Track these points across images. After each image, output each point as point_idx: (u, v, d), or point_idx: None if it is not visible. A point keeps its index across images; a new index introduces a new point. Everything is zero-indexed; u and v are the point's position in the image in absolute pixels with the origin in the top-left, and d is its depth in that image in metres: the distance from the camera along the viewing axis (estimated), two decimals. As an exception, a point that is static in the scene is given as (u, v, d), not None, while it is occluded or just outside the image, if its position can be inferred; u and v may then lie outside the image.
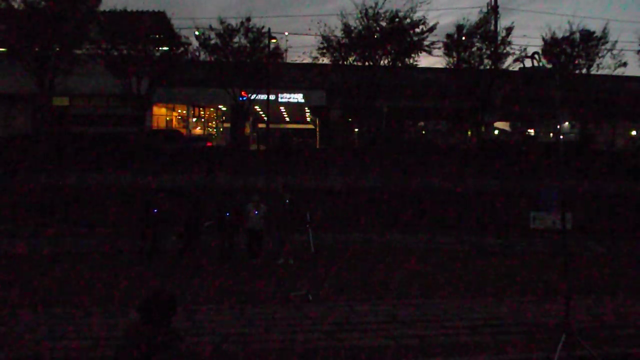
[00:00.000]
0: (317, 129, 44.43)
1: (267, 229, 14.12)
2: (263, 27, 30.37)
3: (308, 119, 49.00)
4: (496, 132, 42.87)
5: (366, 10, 28.76)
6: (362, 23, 28.99)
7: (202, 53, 30.32)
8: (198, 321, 8.18)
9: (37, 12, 26.45)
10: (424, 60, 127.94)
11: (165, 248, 14.41)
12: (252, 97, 31.05)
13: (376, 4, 28.67)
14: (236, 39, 29.62)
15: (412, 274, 12.43)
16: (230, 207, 14.15)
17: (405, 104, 35.49)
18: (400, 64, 29.80)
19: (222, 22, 29.27)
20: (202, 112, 42.25)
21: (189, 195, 17.23)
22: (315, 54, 30.09)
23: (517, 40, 61.74)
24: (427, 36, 29.57)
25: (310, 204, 15.37)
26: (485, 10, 31.76)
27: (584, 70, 30.94)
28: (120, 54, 27.99)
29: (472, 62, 30.39)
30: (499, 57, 30.49)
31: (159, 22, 30.05)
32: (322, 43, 29.67)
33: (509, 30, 30.67)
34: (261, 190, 16.39)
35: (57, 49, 27.23)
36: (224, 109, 41.36)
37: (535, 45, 59.44)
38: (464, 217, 22.39)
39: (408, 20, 29.12)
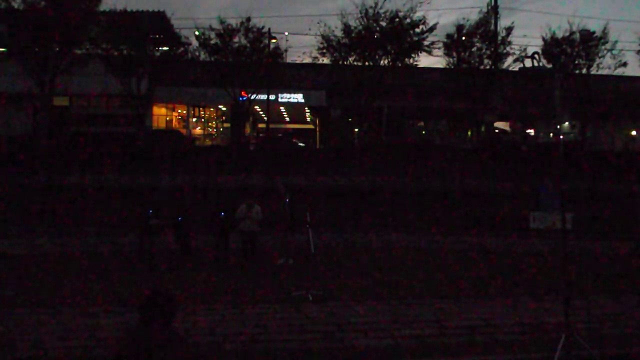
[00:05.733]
0: (317, 129, 44.42)
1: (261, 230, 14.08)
2: (263, 27, 30.43)
3: (308, 119, 49.00)
4: (496, 132, 42.89)
5: (366, 10, 28.81)
6: (362, 23, 29.02)
7: (202, 53, 30.36)
8: (198, 321, 8.18)
9: (37, 12, 26.46)
10: (424, 60, 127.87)
11: (165, 248, 14.40)
12: (252, 97, 31.05)
13: (376, 4, 28.74)
14: (236, 39, 29.67)
15: (412, 274, 12.42)
16: (224, 207, 14.11)
17: (405, 104, 35.50)
18: (400, 64, 29.82)
19: (222, 22, 29.34)
20: (202, 112, 42.25)
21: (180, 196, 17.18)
22: (315, 54, 30.16)
23: (517, 40, 61.68)
24: (427, 36, 29.65)
25: (310, 204, 15.36)
26: (485, 10, 31.80)
27: (584, 70, 30.95)
28: (120, 54, 28.00)
29: (472, 62, 30.40)
30: (499, 57, 30.51)
31: (159, 22, 30.10)
32: (322, 43, 29.73)
33: (509, 30, 30.73)
34: (262, 191, 16.39)
35: (57, 49, 27.24)
36: (224, 109, 41.35)
37: (535, 45, 59.41)
38: (463, 217, 22.37)
39: (408, 20, 29.16)
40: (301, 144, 35.26)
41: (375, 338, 7.53)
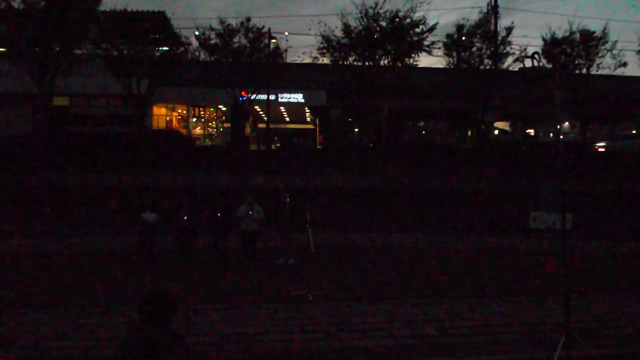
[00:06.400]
0: (317, 129, 44.40)
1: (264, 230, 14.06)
2: (263, 27, 30.38)
3: (308, 119, 49.00)
4: (496, 132, 42.90)
5: (366, 10, 28.76)
6: (362, 23, 28.99)
7: (202, 53, 30.33)
8: (198, 321, 8.18)
9: (37, 12, 26.44)
10: (424, 60, 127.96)
11: (164, 248, 14.42)
12: (252, 97, 31.04)
13: (376, 4, 28.69)
14: (236, 39, 29.63)
15: (412, 274, 12.43)
16: (221, 207, 14.10)
17: (405, 104, 35.49)
18: (400, 64, 29.79)
19: (222, 22, 29.29)
20: (202, 112, 42.24)
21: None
22: (315, 54, 30.12)
23: (517, 40, 61.80)
24: (427, 36, 29.59)
25: (310, 204, 15.36)
26: (485, 10, 31.80)
27: (584, 70, 30.94)
28: (120, 54, 27.99)
29: (472, 62, 30.40)
30: (499, 57, 30.50)
31: (159, 22, 30.04)
32: (322, 43, 29.68)
33: (509, 30, 30.70)
34: (262, 190, 16.38)
35: (57, 49, 27.22)
36: (224, 109, 41.36)
37: (535, 45, 59.54)
38: (464, 217, 22.39)
39: (408, 20, 29.12)
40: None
41: (375, 338, 7.53)
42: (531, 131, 45.76)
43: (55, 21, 26.08)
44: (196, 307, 8.92)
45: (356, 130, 39.83)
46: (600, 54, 30.75)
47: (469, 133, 38.43)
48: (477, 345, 7.28)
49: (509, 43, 30.65)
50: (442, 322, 8.35)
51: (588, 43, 30.25)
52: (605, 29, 31.06)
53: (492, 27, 31.24)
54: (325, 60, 30.41)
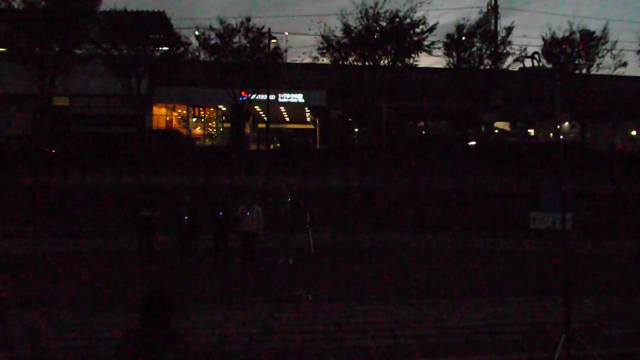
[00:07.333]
0: (317, 129, 44.38)
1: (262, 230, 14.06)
2: (263, 27, 30.41)
3: (308, 119, 48.98)
4: (496, 132, 42.84)
5: (366, 10, 28.80)
6: (362, 23, 29.02)
7: (202, 53, 30.35)
8: (198, 321, 8.18)
9: (37, 12, 26.47)
10: (424, 60, 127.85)
11: (164, 248, 14.42)
12: (252, 97, 31.05)
13: (376, 4, 28.72)
14: (236, 39, 29.65)
15: (412, 274, 12.42)
16: (222, 207, 14.09)
17: (405, 104, 35.48)
18: (400, 64, 29.82)
19: (222, 22, 29.33)
20: (202, 112, 42.25)
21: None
22: (315, 54, 30.15)
23: (517, 40, 61.86)
24: (427, 36, 29.64)
25: (310, 204, 15.37)
26: (485, 10, 31.82)
27: (584, 70, 30.96)
28: (120, 54, 28.01)
29: (472, 62, 30.42)
30: (499, 57, 30.53)
31: (159, 22, 30.08)
32: (322, 43, 29.71)
33: (509, 30, 30.75)
34: (261, 190, 16.37)
35: (57, 49, 27.25)
36: (224, 109, 41.37)
37: (535, 45, 59.48)
38: (464, 217, 22.38)
39: (408, 20, 29.17)
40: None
41: (375, 338, 7.53)
42: (531, 131, 45.73)
43: (55, 21, 26.10)
44: (196, 307, 8.92)
45: (356, 130, 39.83)
46: (600, 54, 30.79)
47: (469, 133, 38.39)
48: (477, 345, 7.28)
49: (509, 43, 30.72)
50: (442, 322, 8.34)
51: (588, 43, 30.29)
52: (605, 29, 31.11)
53: (492, 27, 31.27)
54: (325, 60, 30.46)
